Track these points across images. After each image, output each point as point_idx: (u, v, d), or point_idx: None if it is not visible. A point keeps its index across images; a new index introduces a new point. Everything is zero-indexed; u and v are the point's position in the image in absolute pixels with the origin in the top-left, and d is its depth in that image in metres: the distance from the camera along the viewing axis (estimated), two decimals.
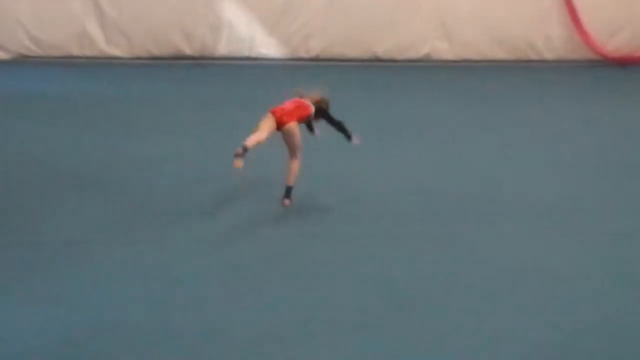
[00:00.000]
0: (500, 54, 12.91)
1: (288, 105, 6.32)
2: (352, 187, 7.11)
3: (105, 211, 6.35)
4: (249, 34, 12.42)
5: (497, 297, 5.05)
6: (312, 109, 6.46)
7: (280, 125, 6.19)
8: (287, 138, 6.23)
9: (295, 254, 5.67)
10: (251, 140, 6.05)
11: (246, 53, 12.51)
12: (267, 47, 12.55)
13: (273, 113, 6.24)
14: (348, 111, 8.86)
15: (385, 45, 12.69)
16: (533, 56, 12.96)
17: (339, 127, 6.51)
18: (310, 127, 6.59)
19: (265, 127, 6.20)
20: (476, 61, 12.96)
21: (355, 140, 6.55)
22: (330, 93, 9.57)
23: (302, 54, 12.64)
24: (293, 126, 6.24)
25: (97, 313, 4.72)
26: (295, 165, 6.35)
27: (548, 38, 13.01)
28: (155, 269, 5.34)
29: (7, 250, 5.57)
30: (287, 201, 6.36)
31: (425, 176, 7.44)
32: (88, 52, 12.09)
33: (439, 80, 11.96)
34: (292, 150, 6.34)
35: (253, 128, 6.28)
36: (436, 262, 5.62)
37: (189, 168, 7.44)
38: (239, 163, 5.92)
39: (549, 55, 13.10)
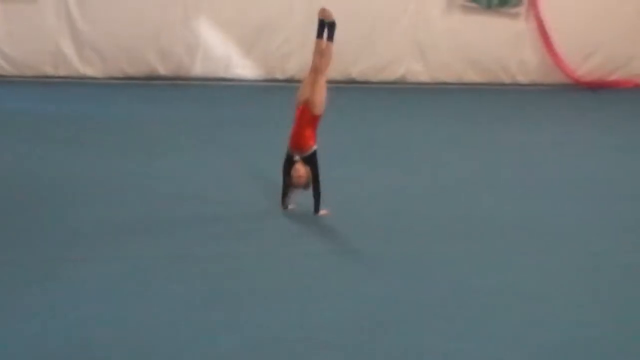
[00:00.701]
0: (475, 76, 13.09)
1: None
2: (325, 206, 7.00)
3: (78, 228, 6.36)
4: (225, 55, 12.44)
5: (471, 317, 5.06)
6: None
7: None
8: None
9: (267, 273, 5.68)
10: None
11: (222, 74, 12.51)
12: (243, 68, 12.57)
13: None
14: (323, 132, 8.78)
15: (361, 67, 12.79)
16: (507, 79, 13.19)
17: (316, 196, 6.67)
18: None
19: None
20: (451, 83, 13.12)
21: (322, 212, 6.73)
22: None
23: (278, 75, 12.65)
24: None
25: (70, 328, 4.71)
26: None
27: (522, 62, 13.26)
28: (130, 285, 5.33)
29: None
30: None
31: (400, 197, 7.49)
32: (61, 72, 12.01)
33: (413, 102, 12.09)
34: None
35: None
36: (409, 282, 5.61)
37: (163, 186, 7.50)
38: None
39: (522, 78, 13.34)
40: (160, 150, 8.77)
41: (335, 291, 5.40)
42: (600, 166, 8.90)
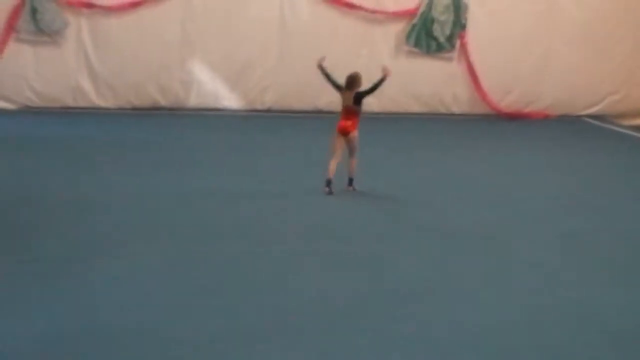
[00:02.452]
0: (417, 108, 13.89)
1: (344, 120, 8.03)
2: (293, 213, 7.56)
3: (89, 233, 6.66)
4: (214, 89, 13.11)
5: (421, 308, 5.33)
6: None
7: (345, 134, 8.07)
8: (351, 143, 8.16)
9: (240, 270, 5.89)
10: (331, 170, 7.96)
11: (212, 105, 13.20)
12: (229, 100, 13.25)
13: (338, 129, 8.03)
14: (294, 152, 9.98)
15: (326, 99, 13.05)
16: (443, 110, 14.04)
17: (377, 86, 8.16)
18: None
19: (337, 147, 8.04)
20: (398, 113, 13.75)
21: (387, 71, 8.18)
22: (280, 138, 10.67)
23: (258, 106, 13.41)
24: (355, 133, 8.14)
25: (86, 317, 4.97)
26: (355, 162, 8.19)
27: (455, 96, 14.10)
28: (129, 281, 5.59)
29: (6, 265, 5.85)
30: (350, 188, 8.18)
31: (356, 205, 7.97)
32: (81, 103, 12.73)
33: (368, 129, 11.42)
34: (352, 151, 8.20)
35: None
36: (367, 278, 5.87)
37: (163, 199, 7.83)
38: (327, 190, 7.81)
39: (455, 109, 14.19)
40: (162, 168, 9.15)
41: (296, 287, 5.62)
42: (518, 182, 9.44)
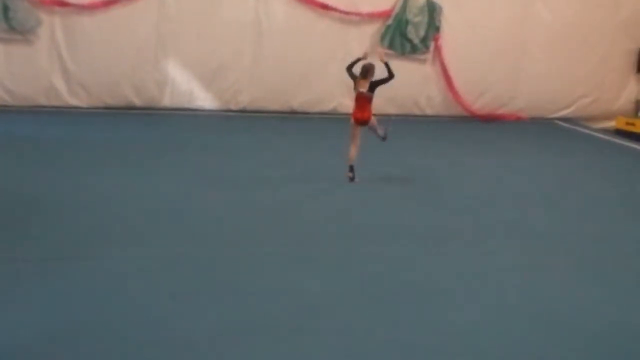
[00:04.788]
0: (392, 109, 13.52)
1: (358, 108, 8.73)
2: (271, 213, 7.53)
3: (64, 234, 6.57)
4: (189, 89, 13.08)
5: (397, 307, 5.35)
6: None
7: (364, 123, 8.79)
8: (371, 127, 8.94)
9: (221, 271, 5.89)
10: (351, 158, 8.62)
11: (186, 105, 13.16)
12: (204, 100, 13.21)
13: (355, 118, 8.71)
14: (267, 152, 9.98)
15: (300, 100, 13.62)
16: (417, 112, 14.12)
17: (390, 74, 8.95)
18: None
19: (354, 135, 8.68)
20: (373, 115, 12.89)
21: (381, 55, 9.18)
22: (255, 139, 10.59)
23: (232, 106, 13.38)
24: (372, 119, 8.93)
25: (61, 317, 4.92)
26: (355, 149, 8.76)
27: (429, 98, 14.19)
28: (106, 283, 5.54)
29: None
30: (350, 174, 8.77)
31: (331, 207, 7.98)
32: (54, 103, 12.57)
33: (342, 130, 10.66)
34: (375, 131, 9.01)
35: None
36: (345, 278, 5.88)
37: (136, 200, 7.78)
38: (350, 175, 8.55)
39: (429, 111, 14.29)
40: (136, 168, 9.11)
41: (277, 286, 5.63)
42: (487, 181, 9.58)
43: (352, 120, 9.02)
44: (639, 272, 6.59)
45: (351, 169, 8.91)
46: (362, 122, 8.90)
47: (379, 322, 5.12)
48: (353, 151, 8.96)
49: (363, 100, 8.92)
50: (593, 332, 5.24)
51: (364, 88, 8.97)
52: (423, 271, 6.21)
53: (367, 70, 9.01)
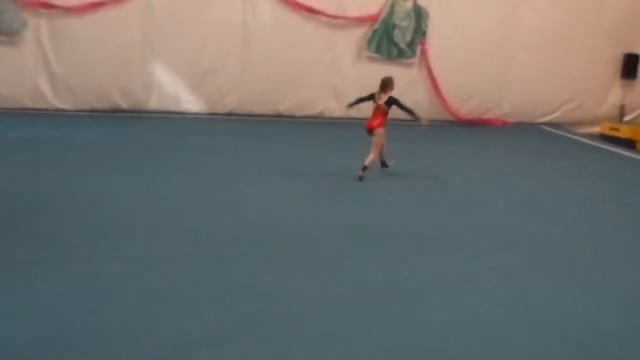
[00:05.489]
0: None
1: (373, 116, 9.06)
2: (262, 215, 7.47)
3: (53, 235, 6.52)
4: (175, 92, 13.14)
5: (386, 309, 5.33)
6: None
7: (370, 130, 9.09)
8: (375, 138, 9.12)
9: (211, 273, 5.83)
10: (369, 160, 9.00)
11: (173, 108, 13.18)
12: (190, 103, 13.27)
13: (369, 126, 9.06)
14: (255, 154, 9.96)
15: (287, 103, 13.71)
16: (402, 116, 12.92)
17: (406, 110, 9.28)
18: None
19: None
20: (359, 119, 11.99)
21: (423, 122, 9.53)
22: (242, 142, 10.58)
23: (219, 109, 13.42)
24: (379, 130, 9.16)
25: (45, 321, 4.83)
26: (373, 156, 9.11)
27: (416, 101, 13.61)
28: (89, 284, 5.48)
29: None
30: (361, 172, 8.99)
31: (314, 207, 7.93)
32: (39, 105, 12.54)
33: (328, 133, 12.75)
34: (374, 146, 9.09)
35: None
36: (334, 280, 5.84)
37: (124, 202, 7.72)
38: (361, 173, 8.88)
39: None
40: (121, 170, 9.07)
41: (255, 288, 5.58)
42: (472, 182, 9.60)
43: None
44: (622, 275, 6.63)
45: (364, 169, 9.16)
46: (368, 129, 9.15)
47: (368, 324, 5.13)
48: (371, 156, 9.22)
49: (377, 111, 9.24)
50: (579, 336, 5.25)
51: (381, 100, 9.25)
52: (411, 273, 6.21)
53: (385, 84, 9.27)
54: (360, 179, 9.06)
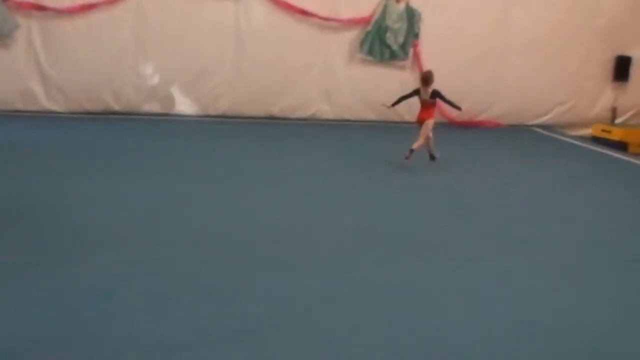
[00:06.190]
0: (371, 115, 13.92)
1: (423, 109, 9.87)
2: (257, 218, 7.47)
3: (45, 238, 6.52)
4: (168, 95, 13.10)
5: (382, 313, 5.35)
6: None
7: (421, 121, 9.91)
8: (424, 127, 9.88)
9: (205, 276, 5.86)
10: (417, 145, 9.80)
11: (165, 110, 13.14)
12: (183, 105, 13.24)
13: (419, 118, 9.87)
14: (248, 158, 9.96)
15: (280, 105, 13.69)
16: (395, 118, 13.85)
17: (449, 103, 10.03)
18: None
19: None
20: (351, 121, 13.94)
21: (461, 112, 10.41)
22: (235, 144, 10.61)
23: (211, 111, 13.40)
24: (430, 120, 9.96)
25: (38, 324, 4.83)
26: (420, 141, 9.87)
27: (407, 104, 11.83)
28: (87, 287, 5.47)
29: None
30: (408, 154, 9.74)
31: (306, 211, 7.92)
32: (31, 107, 12.49)
33: (321, 135, 12.75)
34: (422, 133, 9.87)
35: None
36: (330, 283, 5.84)
37: (118, 205, 7.73)
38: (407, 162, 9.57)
39: (408, 117, 13.23)
40: (114, 172, 9.10)
41: (259, 288, 5.60)
42: (467, 187, 9.58)
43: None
44: (618, 277, 6.64)
45: (411, 151, 9.79)
46: (421, 121, 9.97)
47: (365, 327, 5.13)
48: (419, 142, 9.91)
49: (425, 105, 9.99)
50: (576, 338, 5.27)
51: (426, 95, 9.92)
52: (409, 275, 6.22)
53: (426, 78, 9.95)
54: (407, 158, 9.75)
